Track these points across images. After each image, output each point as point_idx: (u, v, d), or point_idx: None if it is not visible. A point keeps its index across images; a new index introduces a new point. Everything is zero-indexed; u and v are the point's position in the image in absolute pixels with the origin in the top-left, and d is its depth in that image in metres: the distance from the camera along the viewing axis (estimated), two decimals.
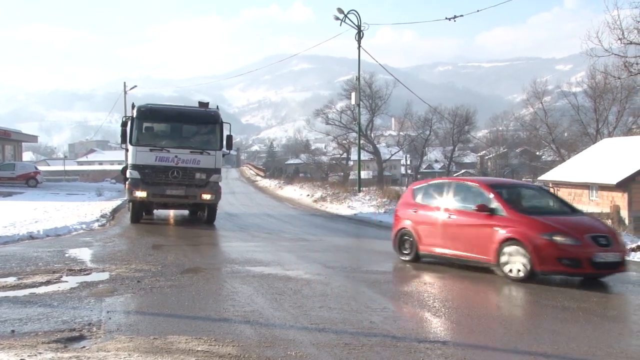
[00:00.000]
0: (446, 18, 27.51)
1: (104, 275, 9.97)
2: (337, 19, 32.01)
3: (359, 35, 32.14)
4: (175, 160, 18.05)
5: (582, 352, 6.28)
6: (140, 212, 19.46)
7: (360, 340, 6.42)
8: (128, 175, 18.32)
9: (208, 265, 11.29)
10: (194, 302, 8.15)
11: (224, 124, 18.87)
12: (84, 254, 12.36)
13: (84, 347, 6.11)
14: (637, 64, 17.73)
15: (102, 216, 20.69)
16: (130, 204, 19.05)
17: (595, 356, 6.17)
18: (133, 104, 19.57)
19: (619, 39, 17.29)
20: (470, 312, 7.87)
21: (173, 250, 13.28)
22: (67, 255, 12.19)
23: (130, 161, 18.40)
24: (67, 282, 9.42)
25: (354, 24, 32.16)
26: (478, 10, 25.61)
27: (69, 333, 6.55)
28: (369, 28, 32.63)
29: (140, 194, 18.02)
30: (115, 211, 23.79)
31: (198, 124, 18.89)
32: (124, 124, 18.86)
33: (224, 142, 18.83)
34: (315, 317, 7.45)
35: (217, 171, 18.64)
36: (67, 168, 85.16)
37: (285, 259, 12.35)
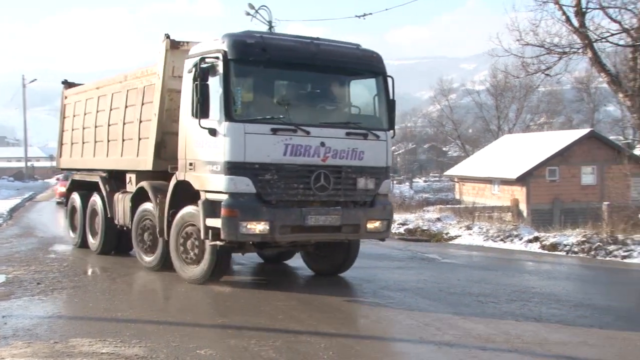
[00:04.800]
0: (356, 16, 27.91)
1: (0, 278, 9.45)
2: (248, 14, 31.80)
3: (271, 32, 32.07)
4: (322, 153, 8.66)
5: (483, 339, 6.55)
6: (229, 259, 9.57)
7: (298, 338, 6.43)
8: (223, 186, 8.25)
9: (114, 263, 10.93)
10: (99, 303, 7.88)
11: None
12: None
13: None
14: (533, 64, 18.64)
15: None
16: (208, 245, 8.71)
17: (495, 342, 6.45)
18: (176, 40, 9.75)
19: (517, 40, 18.09)
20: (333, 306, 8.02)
21: (76, 249, 12.75)
22: None
23: (225, 157, 8.24)
24: None
25: (265, 19, 32.08)
26: (387, 9, 26.14)
27: None
28: (280, 24, 32.64)
29: (259, 226, 8.27)
30: (13, 210, 22.61)
31: (351, 76, 9.46)
32: (202, 77, 8.33)
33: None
34: (224, 310, 7.38)
35: (387, 173, 9.41)
36: None
37: None
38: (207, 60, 8.39)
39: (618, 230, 14.12)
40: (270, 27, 31.84)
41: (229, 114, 8.22)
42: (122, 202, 10.76)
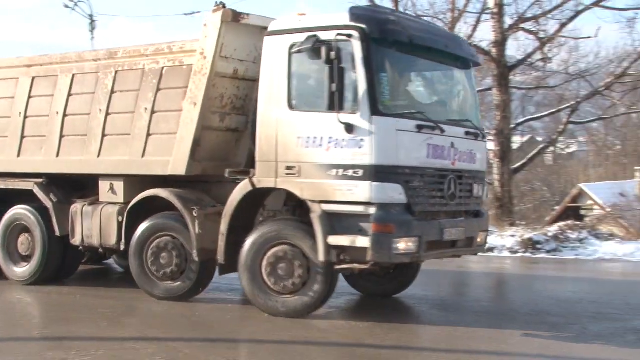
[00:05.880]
0: (185, 14, 27.60)
1: None
2: (67, 7, 30.04)
3: (92, 26, 30.54)
4: (452, 155, 7.54)
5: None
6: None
7: None
8: (370, 195, 6.68)
9: None
10: None
11: None
12: None
13: None
14: None
15: None
16: (320, 268, 6.93)
17: (308, 337, 6.69)
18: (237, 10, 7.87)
19: None
20: None
21: None
22: None
23: (373, 159, 6.71)
24: None
25: (86, 13, 30.46)
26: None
27: None
28: (103, 19, 31.15)
29: (410, 244, 6.85)
30: None
31: (463, 66, 8.17)
32: (339, 59, 6.71)
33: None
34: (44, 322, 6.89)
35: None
36: None
37: None
38: (327, 38, 6.71)
39: None
40: (92, 21, 30.31)
41: (375, 105, 6.71)
42: (95, 217, 8.42)
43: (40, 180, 8.93)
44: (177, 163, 7.75)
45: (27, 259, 9.09)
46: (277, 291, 7.11)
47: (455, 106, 8.21)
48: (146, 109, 8.10)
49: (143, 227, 8.01)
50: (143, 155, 8.12)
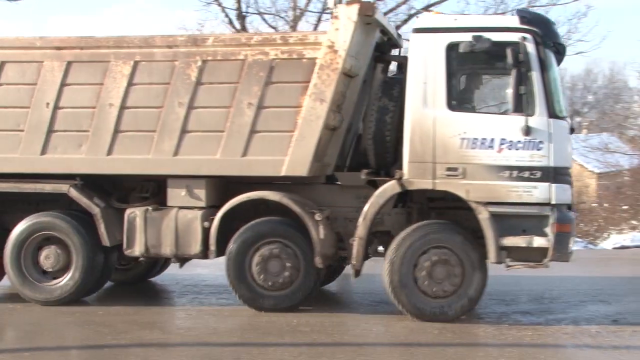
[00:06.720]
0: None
1: None
2: None
3: None
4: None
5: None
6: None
7: None
8: (550, 196, 6.91)
9: None
10: None
11: None
12: None
13: None
14: None
15: None
16: (477, 269, 7.01)
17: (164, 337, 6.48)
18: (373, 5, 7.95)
19: None
20: None
21: None
22: None
23: (551, 161, 6.93)
24: None
25: None
26: None
27: None
28: None
29: (572, 244, 7.37)
30: None
31: None
32: (525, 57, 6.88)
33: None
34: None
35: None
36: None
37: None
38: (504, 40, 6.78)
39: None
40: None
41: (552, 108, 6.91)
42: (167, 223, 7.50)
43: (75, 182, 7.71)
44: (295, 163, 7.22)
45: (54, 275, 7.79)
46: (432, 295, 6.96)
47: None
48: (250, 104, 7.38)
49: (244, 234, 7.36)
50: (244, 155, 7.39)
